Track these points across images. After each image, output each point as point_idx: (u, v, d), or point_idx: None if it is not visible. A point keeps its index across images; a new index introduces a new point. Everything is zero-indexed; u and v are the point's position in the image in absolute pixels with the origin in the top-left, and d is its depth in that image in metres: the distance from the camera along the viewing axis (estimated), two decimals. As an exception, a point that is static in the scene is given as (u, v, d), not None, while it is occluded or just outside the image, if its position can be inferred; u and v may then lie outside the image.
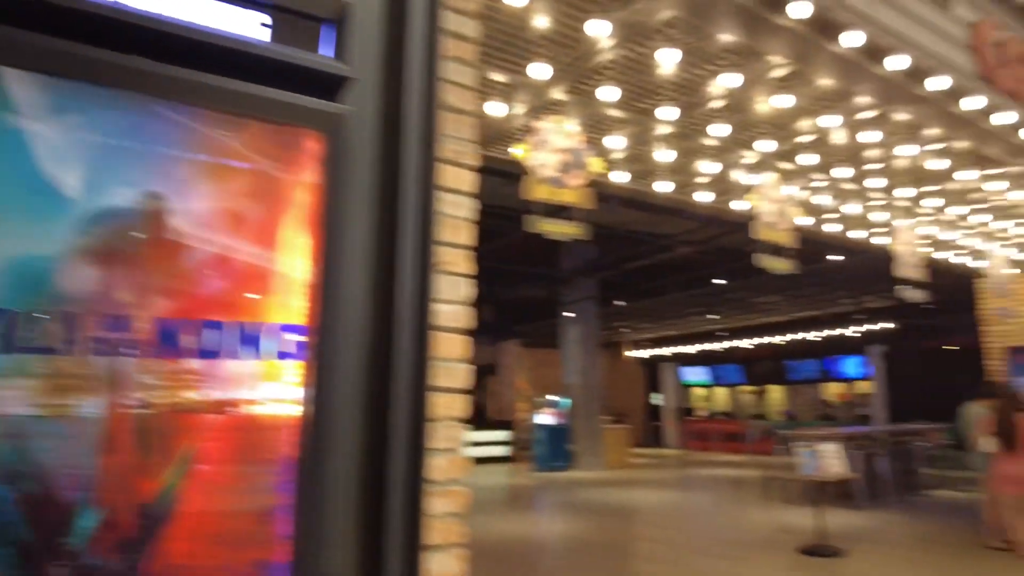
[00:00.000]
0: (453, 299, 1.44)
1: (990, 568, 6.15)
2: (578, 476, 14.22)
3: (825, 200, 5.00)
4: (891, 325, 16.76)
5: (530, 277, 15.30)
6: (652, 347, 23.94)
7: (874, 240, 6.22)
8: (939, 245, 6.72)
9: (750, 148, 3.94)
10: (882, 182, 4.58)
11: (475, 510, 9.52)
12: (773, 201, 3.71)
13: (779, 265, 3.84)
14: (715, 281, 12.29)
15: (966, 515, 8.46)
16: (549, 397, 16.18)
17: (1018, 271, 7.51)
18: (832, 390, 20.86)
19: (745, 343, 20.86)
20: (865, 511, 9.32)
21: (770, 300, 15.75)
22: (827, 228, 5.70)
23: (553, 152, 2.89)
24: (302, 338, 1.33)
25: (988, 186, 4.81)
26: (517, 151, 2.87)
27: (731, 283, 12.97)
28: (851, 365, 19.35)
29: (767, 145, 3.85)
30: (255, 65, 1.33)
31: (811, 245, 9.74)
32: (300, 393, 1.31)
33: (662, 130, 3.74)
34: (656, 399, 24.45)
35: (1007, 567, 6.19)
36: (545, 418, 15.61)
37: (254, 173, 1.37)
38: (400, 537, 1.27)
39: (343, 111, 1.37)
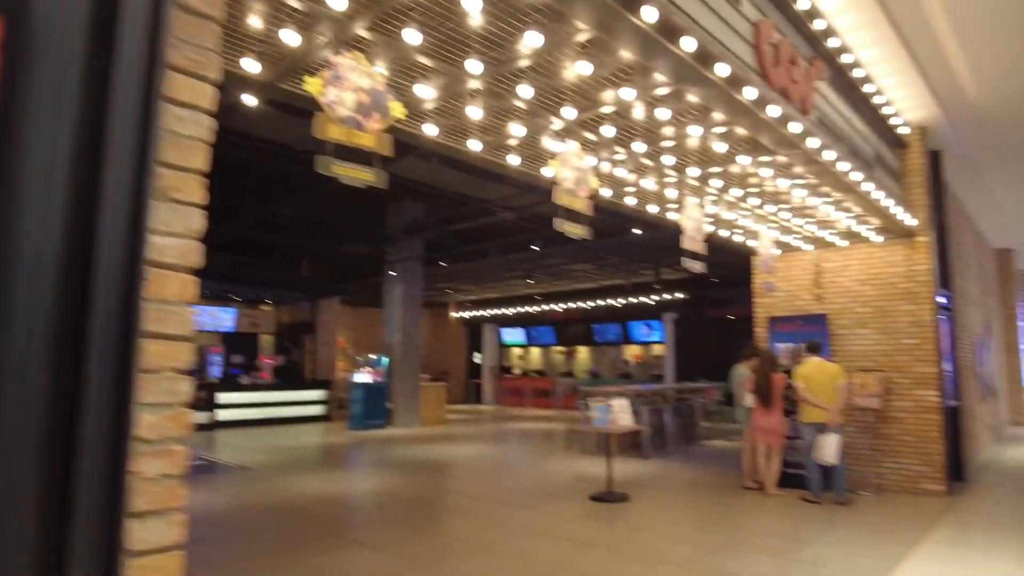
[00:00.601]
0: (178, 231, 1.24)
1: (740, 503, 7.14)
2: (394, 433, 14.23)
3: (624, 173, 5.30)
4: (683, 295, 18.61)
5: (353, 233, 14.77)
6: (475, 308, 24.48)
7: (669, 215, 6.74)
8: (722, 224, 7.46)
9: (555, 114, 4.03)
10: (673, 160, 4.94)
11: (286, 470, 9.18)
12: (574, 168, 3.83)
13: (576, 230, 3.99)
14: (532, 247, 12.74)
15: (731, 461, 9.72)
16: (369, 356, 15.93)
17: (780, 252, 8.61)
18: (632, 351, 22.82)
19: (558, 307, 22.06)
20: (651, 460, 10.35)
21: (580, 268, 16.73)
22: (628, 201, 6.07)
23: (350, 90, 2.70)
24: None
25: (761, 172, 5.39)
26: (309, 85, 2.62)
27: (546, 250, 13.53)
28: (648, 330, 21.25)
29: (570, 112, 3.96)
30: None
31: (616, 218, 10.43)
32: (-39, 335, 1.06)
33: (472, 84, 3.68)
34: (477, 358, 25.15)
35: (753, 501, 7.22)
36: (363, 376, 15.36)
37: None
38: (95, 504, 1.09)
39: (31, -13, 1.10)
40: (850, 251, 8.17)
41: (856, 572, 4.67)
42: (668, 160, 4.88)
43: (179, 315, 1.23)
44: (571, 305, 21.62)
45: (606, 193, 5.64)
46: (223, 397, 15.30)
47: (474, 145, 4.39)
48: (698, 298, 18.53)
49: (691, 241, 5.16)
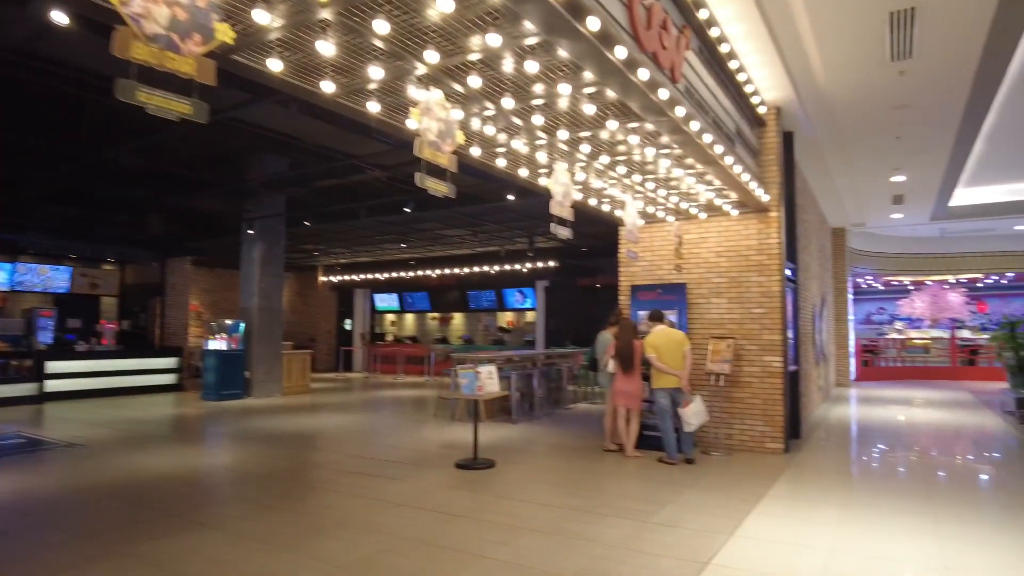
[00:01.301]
0: None
1: (602, 467, 7.32)
2: (253, 404, 13.43)
3: (493, 131, 5.07)
4: (554, 263, 18.95)
5: (208, 186, 13.52)
6: (346, 273, 23.56)
7: (540, 180, 6.62)
8: (591, 192, 7.47)
9: (417, 57, 3.70)
10: (543, 120, 4.77)
11: (125, 445, 8.30)
12: (437, 119, 3.54)
13: (440, 187, 3.73)
14: (405, 209, 12.28)
15: (595, 424, 10.02)
16: (226, 321, 14.85)
17: (644, 222, 8.82)
18: (506, 318, 23.06)
19: (433, 272, 21.76)
20: (520, 424, 10.45)
21: (455, 233, 16.49)
22: (499, 163, 5.86)
23: (163, 4, 2.22)
24: None
25: (630, 139, 5.36)
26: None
27: (419, 213, 13.12)
28: (522, 297, 21.54)
29: (433, 56, 3.64)
30: None
31: (491, 183, 10.24)
32: None
33: (320, 15, 3.25)
34: (348, 324, 24.33)
35: (614, 464, 7.44)
36: (217, 344, 14.30)
37: None
38: None
39: None
40: (709, 224, 8.53)
41: (707, 531, 4.89)
42: (538, 120, 4.70)
43: None
44: (446, 271, 21.38)
45: (475, 152, 5.39)
46: (54, 366, 13.69)
47: (327, 86, 3.94)
48: (568, 267, 18.93)
49: (559, 207, 5.06)
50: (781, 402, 7.94)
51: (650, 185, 6.97)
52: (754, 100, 7.58)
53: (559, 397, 13.05)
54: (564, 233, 5.27)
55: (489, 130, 4.90)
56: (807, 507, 5.60)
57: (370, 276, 22.92)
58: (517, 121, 4.86)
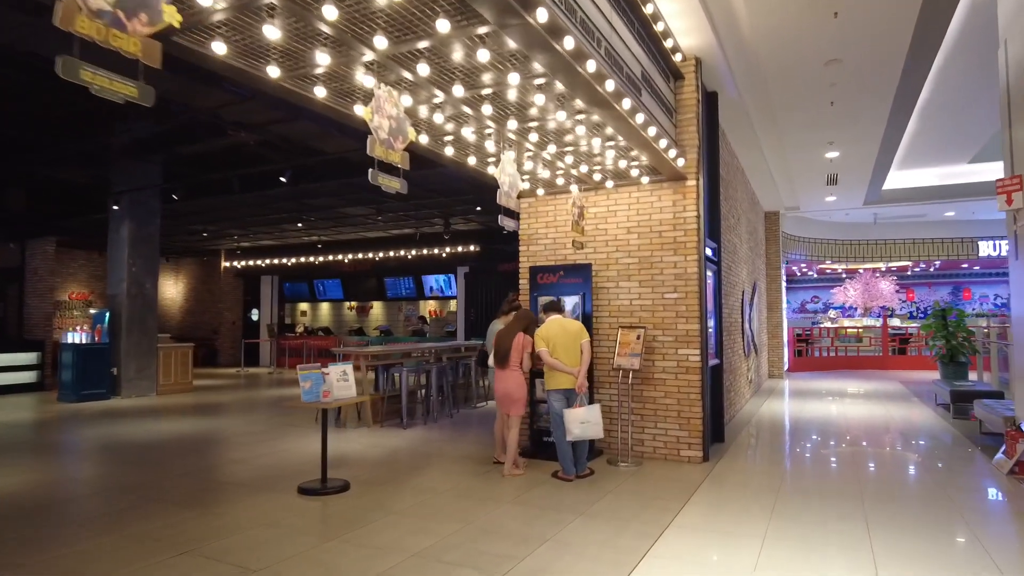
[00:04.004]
0: None
1: (483, 485, 5.93)
2: (118, 405, 11.69)
3: (277, 36, 3.54)
4: (475, 248, 17.54)
5: (62, 154, 11.52)
6: (252, 258, 21.53)
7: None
8: (467, 147, 6.06)
9: None
10: (336, 14, 3.30)
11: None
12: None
13: (123, 88, 2.29)
14: (281, 179, 10.62)
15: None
16: (92, 311, 12.93)
17: (544, 192, 7.47)
18: (428, 306, 21.56)
19: (348, 259, 20.05)
20: (411, 430, 9.07)
21: (360, 212, 14.85)
22: (317, 91, 4.33)
23: None
24: None
25: (479, 57, 3.94)
26: None
27: (307, 186, 11.49)
28: (442, 284, 20.09)
29: None
30: None
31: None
32: None
33: None
34: (256, 315, 22.37)
35: (497, 479, 6.09)
36: (77, 336, 12.41)
37: None
38: None
39: None
40: (617, 194, 7.26)
41: (577, 588, 3.61)
42: (331, 13, 3.23)
43: None
44: (359, 256, 19.68)
45: (274, 72, 3.89)
46: None
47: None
48: (490, 251, 17.53)
49: (382, 147, 3.62)
50: (699, 403, 6.78)
51: (534, 136, 5.61)
52: (668, 44, 6.32)
53: (467, 395, 11.71)
54: (394, 185, 3.87)
55: (273, 33, 3.40)
56: (719, 542, 4.40)
57: (277, 261, 21.00)
58: (325, 29, 3.38)
